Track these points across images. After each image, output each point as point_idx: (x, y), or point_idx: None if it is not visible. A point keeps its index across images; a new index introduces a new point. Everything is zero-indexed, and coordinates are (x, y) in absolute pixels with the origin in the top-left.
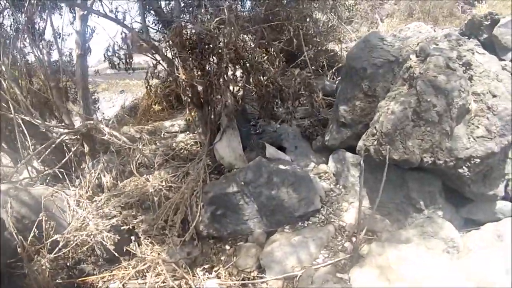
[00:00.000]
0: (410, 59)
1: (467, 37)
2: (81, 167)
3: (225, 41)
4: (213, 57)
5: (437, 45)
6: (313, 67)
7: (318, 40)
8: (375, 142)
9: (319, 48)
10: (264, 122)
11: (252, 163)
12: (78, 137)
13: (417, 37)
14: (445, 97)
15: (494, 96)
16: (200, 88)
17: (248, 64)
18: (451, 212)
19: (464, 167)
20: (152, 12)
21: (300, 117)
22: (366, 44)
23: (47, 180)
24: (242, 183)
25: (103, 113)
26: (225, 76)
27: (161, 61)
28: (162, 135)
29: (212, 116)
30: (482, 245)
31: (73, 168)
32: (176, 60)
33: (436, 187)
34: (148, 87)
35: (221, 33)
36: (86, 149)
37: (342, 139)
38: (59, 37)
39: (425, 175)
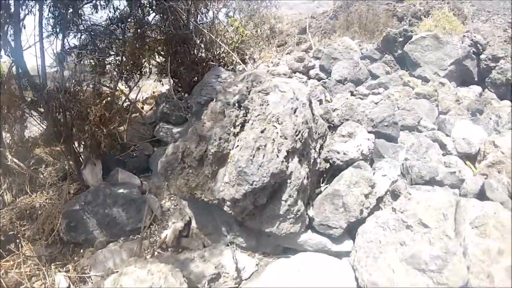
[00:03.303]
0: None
1: (384, 53)
2: None
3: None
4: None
5: (237, 86)
6: None
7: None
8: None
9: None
10: (141, 147)
11: (92, 188)
12: None
13: (242, 73)
14: (206, 143)
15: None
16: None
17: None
18: (263, 238)
19: (225, 206)
20: None
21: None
22: (203, 81)
23: None
24: (83, 203)
25: (10, 138)
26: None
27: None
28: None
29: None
30: (265, 277)
31: None
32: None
33: (231, 217)
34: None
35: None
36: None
37: None
38: None
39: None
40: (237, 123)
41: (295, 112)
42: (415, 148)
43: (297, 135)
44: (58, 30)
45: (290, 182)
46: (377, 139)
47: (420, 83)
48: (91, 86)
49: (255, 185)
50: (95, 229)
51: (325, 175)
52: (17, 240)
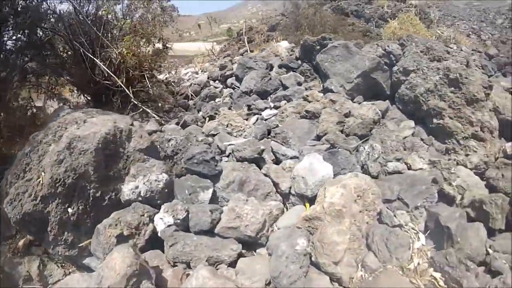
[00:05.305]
0: None
1: (303, 61)
2: None
3: None
4: None
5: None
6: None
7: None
8: None
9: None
10: None
11: None
12: None
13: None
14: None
15: None
16: None
17: None
18: None
19: None
20: None
21: None
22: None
23: None
24: None
25: None
26: None
27: None
28: None
29: None
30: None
31: None
32: None
33: None
34: None
35: None
36: None
37: None
38: None
39: None
40: (26, 169)
41: (60, 163)
42: (236, 185)
43: (57, 182)
44: None
45: (50, 218)
46: (187, 175)
47: (321, 97)
48: None
49: (14, 219)
50: None
51: None
52: None
